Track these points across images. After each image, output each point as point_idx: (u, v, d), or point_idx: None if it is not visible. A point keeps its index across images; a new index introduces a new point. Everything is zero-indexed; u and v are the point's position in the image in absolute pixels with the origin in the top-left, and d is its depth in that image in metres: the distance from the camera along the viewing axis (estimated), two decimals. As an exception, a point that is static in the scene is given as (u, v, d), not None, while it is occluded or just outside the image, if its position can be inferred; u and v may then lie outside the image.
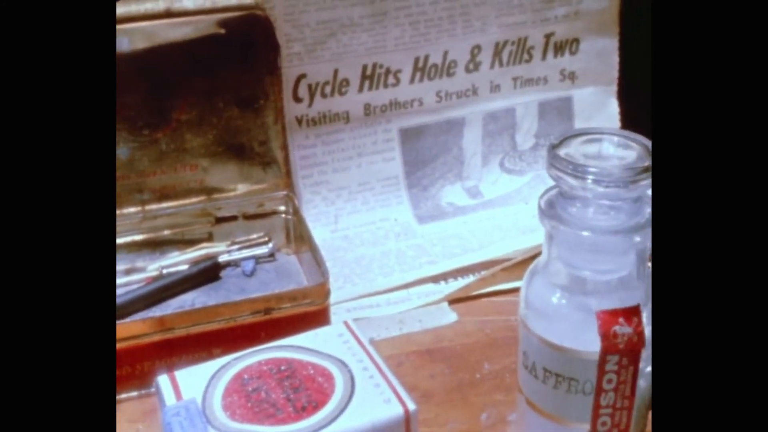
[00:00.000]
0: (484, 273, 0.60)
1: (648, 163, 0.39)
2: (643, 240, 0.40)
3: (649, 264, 0.42)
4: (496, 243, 0.64)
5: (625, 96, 0.74)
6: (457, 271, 0.61)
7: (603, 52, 0.72)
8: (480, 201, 0.69)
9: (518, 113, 0.71)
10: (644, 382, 0.42)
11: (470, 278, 0.60)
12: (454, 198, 0.68)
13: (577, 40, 0.71)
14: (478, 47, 0.68)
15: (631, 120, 0.74)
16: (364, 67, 0.65)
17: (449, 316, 0.57)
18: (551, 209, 0.41)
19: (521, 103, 0.70)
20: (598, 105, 0.73)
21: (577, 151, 0.40)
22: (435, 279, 0.61)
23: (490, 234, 0.65)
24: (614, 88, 0.73)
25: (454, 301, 0.58)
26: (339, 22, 0.63)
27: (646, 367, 0.42)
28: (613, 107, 0.73)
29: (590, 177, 0.39)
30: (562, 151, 0.40)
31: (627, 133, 0.42)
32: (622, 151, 0.41)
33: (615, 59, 0.73)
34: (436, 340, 0.55)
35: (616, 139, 0.41)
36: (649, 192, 0.40)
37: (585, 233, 0.40)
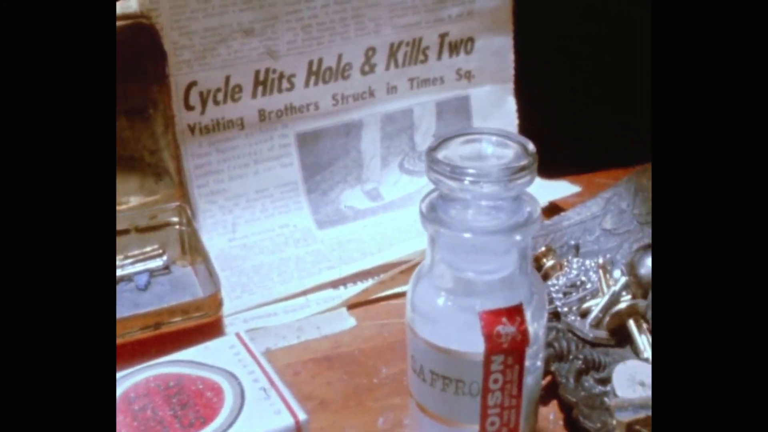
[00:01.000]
0: (382, 276, 0.59)
1: (525, 161, 0.40)
2: (524, 238, 0.40)
3: (558, 261, 0.43)
4: (396, 245, 0.63)
5: (521, 93, 0.74)
6: (356, 275, 0.61)
7: (498, 50, 0.72)
8: (380, 203, 0.68)
9: (416, 114, 0.71)
10: (531, 380, 0.42)
11: (369, 282, 0.60)
12: (354, 201, 0.68)
13: (471, 39, 0.71)
14: (373, 49, 0.67)
15: (528, 117, 0.75)
16: (257, 73, 0.64)
17: (348, 321, 0.57)
18: (432, 213, 0.41)
19: (418, 104, 0.70)
20: (496, 103, 0.73)
21: (456, 153, 0.40)
22: (334, 284, 0.60)
23: (390, 236, 0.65)
24: (511, 85, 0.74)
25: (353, 306, 0.58)
26: (229, 27, 0.62)
27: (534, 364, 0.42)
28: (511, 105, 0.74)
29: (468, 178, 0.39)
30: (440, 154, 0.40)
31: (505, 132, 0.42)
32: (501, 151, 0.41)
33: (510, 57, 0.73)
34: (335, 346, 0.54)
35: (494, 138, 0.41)
36: (527, 190, 0.41)
37: (466, 235, 0.40)
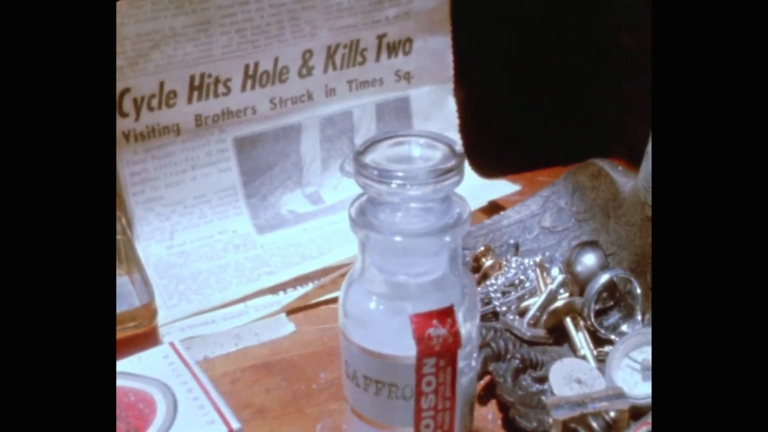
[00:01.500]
0: (323, 280, 0.59)
1: (452, 163, 0.39)
2: (454, 239, 0.40)
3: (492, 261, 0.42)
4: (336, 249, 0.63)
5: (461, 93, 0.75)
6: (295, 280, 0.60)
7: (437, 51, 0.72)
8: (321, 207, 0.68)
9: (355, 116, 0.70)
10: (466, 380, 0.42)
11: (309, 286, 0.59)
12: (294, 205, 0.68)
13: (410, 40, 0.71)
14: (310, 52, 0.67)
15: (468, 117, 0.75)
16: (192, 78, 0.63)
17: (287, 327, 0.56)
18: (362, 217, 0.40)
19: (358, 106, 0.70)
20: (436, 103, 0.73)
21: (383, 156, 0.40)
22: (273, 290, 0.60)
23: (331, 240, 0.65)
24: (450, 86, 0.74)
25: (293, 311, 0.58)
26: (161, 33, 0.61)
27: (468, 364, 0.42)
28: (451, 105, 0.74)
29: (395, 181, 0.39)
30: (367, 158, 0.40)
31: (432, 133, 0.42)
32: (428, 153, 0.41)
33: (449, 57, 0.73)
34: (273, 352, 0.54)
35: (422, 140, 0.41)
36: (456, 191, 0.41)
37: (396, 238, 0.39)
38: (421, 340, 0.39)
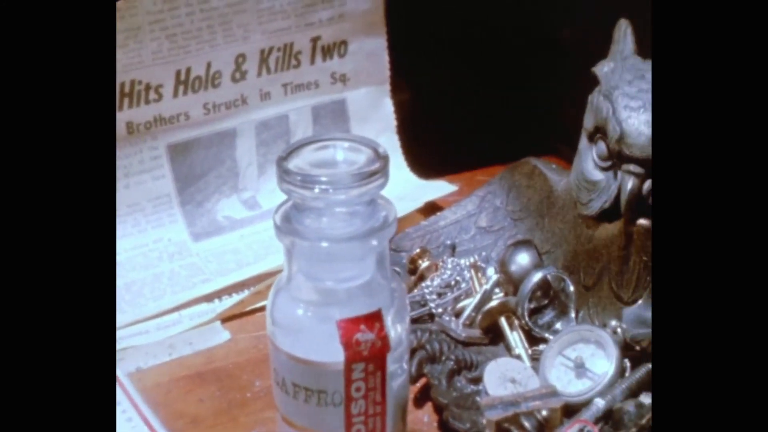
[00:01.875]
0: (258, 286, 0.58)
1: (376, 166, 0.39)
2: (381, 243, 0.40)
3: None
4: (273, 254, 0.63)
5: (397, 94, 0.74)
6: (231, 287, 0.59)
7: (372, 52, 0.72)
8: (258, 212, 0.67)
9: (291, 120, 0.70)
10: (398, 384, 0.42)
11: (245, 293, 0.59)
12: (230, 211, 0.67)
13: (344, 42, 0.71)
14: (243, 56, 0.66)
15: (406, 118, 0.74)
16: (122, 85, 0.62)
17: (221, 335, 0.56)
18: (287, 224, 0.40)
19: (294, 109, 0.70)
20: (373, 105, 0.73)
21: (307, 161, 0.40)
22: (208, 298, 0.59)
23: (267, 245, 0.64)
24: (387, 87, 0.74)
25: (228, 318, 0.57)
26: (89, 39, 0.60)
27: (400, 367, 0.42)
28: (388, 106, 0.74)
29: (319, 186, 0.38)
30: (290, 163, 0.39)
31: (356, 137, 0.41)
32: (352, 156, 0.40)
33: (385, 59, 0.73)
34: (208, 361, 0.53)
35: (345, 144, 0.41)
36: (380, 196, 0.40)
37: (323, 244, 0.39)
38: (348, 345, 0.39)
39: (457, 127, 0.81)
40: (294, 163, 0.39)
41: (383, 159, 0.40)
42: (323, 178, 0.38)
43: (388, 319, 0.41)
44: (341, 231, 0.39)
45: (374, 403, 0.40)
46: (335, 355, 0.39)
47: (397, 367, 0.42)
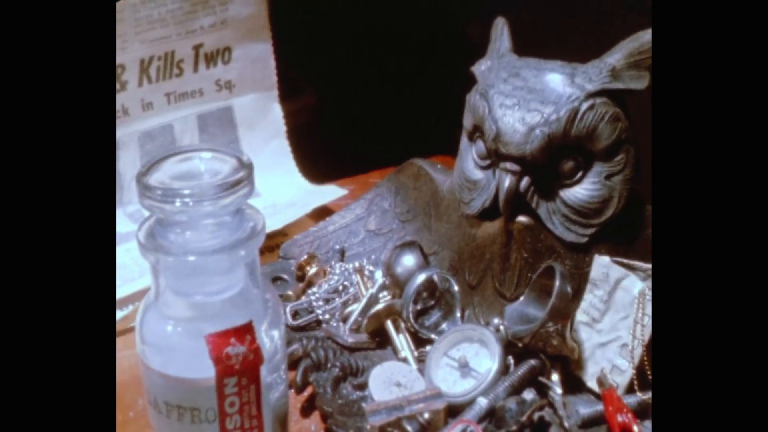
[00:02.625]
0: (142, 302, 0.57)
1: (240, 175, 0.38)
2: (249, 253, 0.39)
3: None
4: (159, 268, 0.61)
5: (287, 99, 0.74)
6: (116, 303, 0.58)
7: (258, 58, 0.71)
8: (144, 225, 0.66)
9: (176, 129, 0.68)
10: (277, 394, 0.41)
11: (128, 309, 0.57)
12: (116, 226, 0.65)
13: (228, 49, 0.70)
14: (122, 66, 0.65)
15: (296, 122, 0.74)
16: (-7, 100, 0.60)
17: (104, 354, 0.54)
18: (151, 240, 0.39)
19: (178, 119, 0.68)
20: (261, 111, 0.72)
21: (168, 175, 0.39)
22: (91, 316, 0.57)
23: (154, 259, 0.63)
24: (275, 92, 0.73)
25: (111, 336, 0.55)
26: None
27: (278, 377, 0.41)
28: (277, 111, 0.73)
29: (181, 199, 0.37)
30: (150, 178, 0.38)
31: (218, 147, 0.40)
32: (216, 166, 0.39)
33: (271, 64, 0.72)
34: (89, 382, 0.52)
35: (209, 155, 0.40)
36: (246, 205, 0.40)
37: (189, 258, 0.38)
38: (219, 360, 0.38)
39: (351, 130, 0.80)
40: (155, 178, 0.38)
41: (247, 168, 0.39)
42: (185, 191, 0.37)
43: (262, 330, 0.40)
44: (207, 243, 0.38)
45: (250, 417, 0.39)
46: (206, 370, 0.38)
47: (275, 378, 0.41)
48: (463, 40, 0.76)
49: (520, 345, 0.48)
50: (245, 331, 0.39)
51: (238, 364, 0.38)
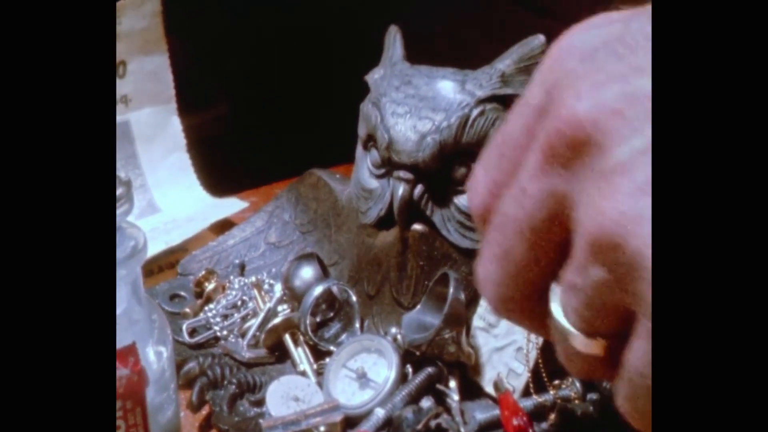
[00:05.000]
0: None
1: (119, 192, 0.37)
2: (131, 272, 0.38)
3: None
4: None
5: (186, 112, 0.72)
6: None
7: (154, 71, 0.70)
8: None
9: (70, 146, 0.67)
10: (166, 416, 0.41)
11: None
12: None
13: (123, 63, 0.68)
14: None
15: (195, 135, 0.73)
16: None
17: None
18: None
19: (72, 135, 0.67)
20: (159, 125, 0.71)
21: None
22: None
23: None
24: (173, 106, 0.71)
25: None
26: None
27: (168, 396, 0.40)
28: (176, 125, 0.72)
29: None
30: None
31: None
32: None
33: (169, 77, 0.71)
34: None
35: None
36: (126, 222, 0.39)
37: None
38: (100, 384, 0.37)
39: (254, 142, 0.79)
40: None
41: (125, 185, 0.38)
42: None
43: (148, 350, 0.39)
44: (87, 263, 0.37)
45: (138, 440, 0.38)
46: (89, 395, 0.37)
47: (164, 398, 0.40)
48: (364, 49, 0.76)
49: (417, 353, 0.47)
50: (128, 353, 0.38)
51: (121, 388, 0.37)
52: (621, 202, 0.27)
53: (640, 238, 0.26)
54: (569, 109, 0.28)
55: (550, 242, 0.30)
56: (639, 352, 0.28)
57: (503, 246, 0.31)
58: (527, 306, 0.32)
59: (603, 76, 0.28)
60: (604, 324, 0.29)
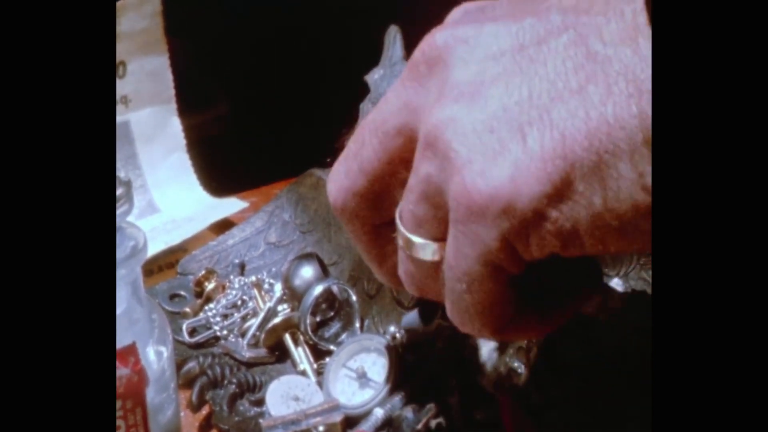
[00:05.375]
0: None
1: (119, 192, 0.37)
2: (131, 272, 0.38)
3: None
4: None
5: (186, 112, 0.72)
6: None
7: (154, 71, 0.70)
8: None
9: (70, 146, 0.67)
10: (167, 416, 0.41)
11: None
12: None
13: (123, 63, 0.68)
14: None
15: (195, 136, 0.73)
16: None
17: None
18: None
19: (72, 135, 0.67)
20: (159, 125, 0.71)
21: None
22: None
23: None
24: (173, 106, 0.71)
25: None
26: None
27: (168, 396, 0.41)
28: (176, 125, 0.72)
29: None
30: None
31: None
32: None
33: (169, 77, 0.71)
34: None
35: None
36: (126, 223, 0.39)
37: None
38: (102, 383, 0.37)
39: (254, 142, 0.79)
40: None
41: (125, 185, 0.38)
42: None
43: (148, 350, 0.39)
44: (87, 263, 0.37)
45: (137, 440, 0.38)
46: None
47: (164, 397, 0.40)
48: (364, 49, 0.76)
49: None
50: (128, 353, 0.38)
51: (121, 387, 0.37)
52: (446, 106, 0.32)
53: (453, 134, 0.32)
54: (431, 36, 0.34)
55: (397, 148, 0.36)
56: (449, 248, 0.34)
57: (357, 143, 0.37)
58: (373, 205, 0.38)
59: (465, 19, 0.35)
60: (432, 224, 0.34)
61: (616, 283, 0.47)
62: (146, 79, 0.70)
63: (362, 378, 0.47)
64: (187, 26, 0.72)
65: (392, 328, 0.49)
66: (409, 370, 0.48)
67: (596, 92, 0.30)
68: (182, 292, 0.57)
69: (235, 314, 0.54)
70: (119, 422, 0.38)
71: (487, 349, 0.49)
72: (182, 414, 0.46)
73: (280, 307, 0.53)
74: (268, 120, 0.79)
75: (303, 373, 0.50)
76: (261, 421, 0.46)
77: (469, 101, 0.32)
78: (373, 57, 0.57)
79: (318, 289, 0.51)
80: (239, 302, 0.55)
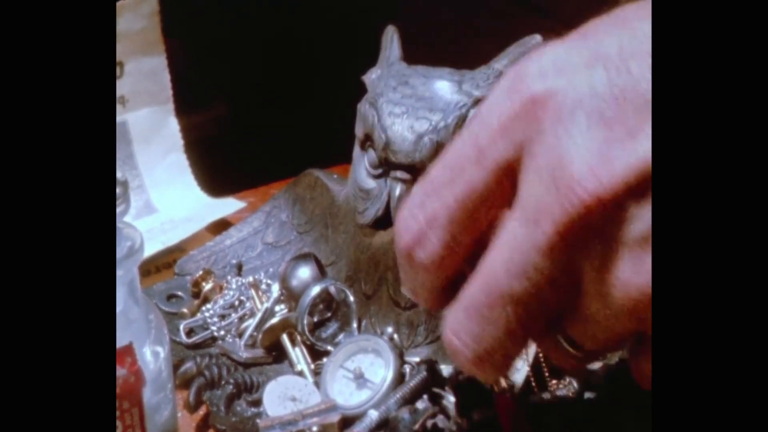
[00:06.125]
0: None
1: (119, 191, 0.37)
2: (127, 272, 0.38)
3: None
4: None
5: (183, 113, 0.72)
6: None
7: (151, 72, 0.70)
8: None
9: (68, 146, 0.67)
10: (163, 417, 0.41)
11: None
12: None
13: (120, 64, 0.68)
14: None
15: (193, 136, 0.73)
16: None
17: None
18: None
19: (70, 136, 0.67)
20: (156, 125, 0.71)
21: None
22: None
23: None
24: (171, 106, 0.71)
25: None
26: None
27: (165, 397, 0.40)
28: (173, 126, 0.71)
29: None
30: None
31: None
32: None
33: (166, 77, 0.71)
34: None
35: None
36: (123, 223, 0.39)
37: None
38: (112, 386, 0.37)
39: (253, 142, 0.80)
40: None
41: (122, 185, 0.38)
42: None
43: (145, 350, 0.39)
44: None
45: (134, 440, 0.38)
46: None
47: (161, 398, 0.40)
48: (361, 49, 0.76)
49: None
50: (125, 353, 0.38)
51: (118, 387, 0.37)
52: None
53: None
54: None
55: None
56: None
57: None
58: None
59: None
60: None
61: None
62: (144, 80, 0.69)
63: (359, 378, 0.47)
64: (185, 27, 0.72)
65: (390, 329, 0.49)
66: (407, 370, 0.48)
67: None
68: (179, 293, 0.57)
69: (233, 315, 0.54)
70: (117, 423, 0.38)
71: (484, 349, 0.49)
72: (179, 414, 0.46)
73: (277, 308, 0.53)
74: (265, 120, 0.79)
75: (300, 373, 0.50)
76: (258, 421, 0.46)
77: None
78: (371, 57, 0.57)
79: (315, 290, 0.51)
80: (236, 303, 0.55)
